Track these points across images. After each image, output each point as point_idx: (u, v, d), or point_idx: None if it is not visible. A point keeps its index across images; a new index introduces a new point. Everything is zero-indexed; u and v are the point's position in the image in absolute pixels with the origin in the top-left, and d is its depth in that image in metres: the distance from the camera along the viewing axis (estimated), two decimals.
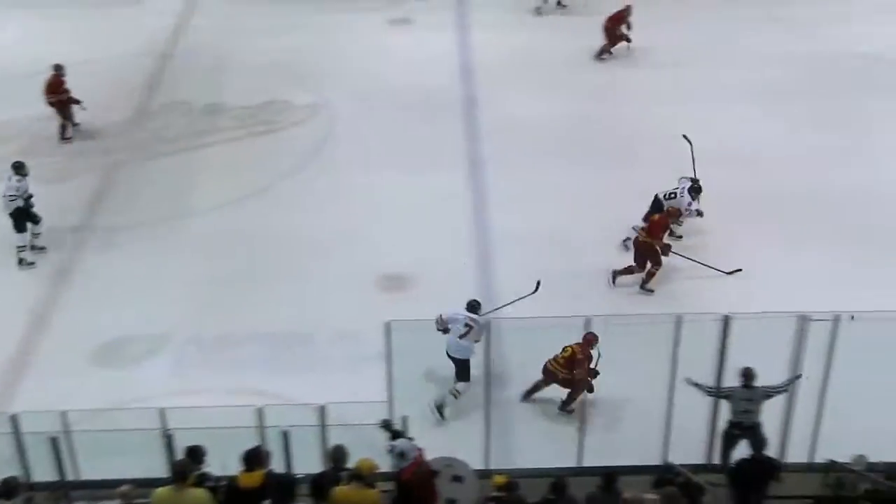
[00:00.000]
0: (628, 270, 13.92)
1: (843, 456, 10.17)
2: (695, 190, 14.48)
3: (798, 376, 10.43)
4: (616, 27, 20.22)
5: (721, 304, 11.62)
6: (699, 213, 14.51)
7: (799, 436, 10.67)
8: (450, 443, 10.08)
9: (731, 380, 10.46)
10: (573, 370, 11.52)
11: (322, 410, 9.75)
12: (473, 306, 11.93)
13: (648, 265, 13.87)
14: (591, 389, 11.65)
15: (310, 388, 11.23)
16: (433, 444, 9.62)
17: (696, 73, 19.59)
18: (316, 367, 12.52)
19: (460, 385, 11.77)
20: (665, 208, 14.22)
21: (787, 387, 10.45)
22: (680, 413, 10.68)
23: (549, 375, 11.80)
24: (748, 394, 10.37)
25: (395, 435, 9.59)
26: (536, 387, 11.98)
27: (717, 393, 10.53)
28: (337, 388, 10.73)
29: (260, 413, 9.65)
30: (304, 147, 17.53)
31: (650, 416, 10.87)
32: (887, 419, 10.76)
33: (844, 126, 17.68)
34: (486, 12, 22.21)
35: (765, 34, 20.94)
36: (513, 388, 12.14)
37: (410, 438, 9.51)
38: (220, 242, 15.08)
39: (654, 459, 10.59)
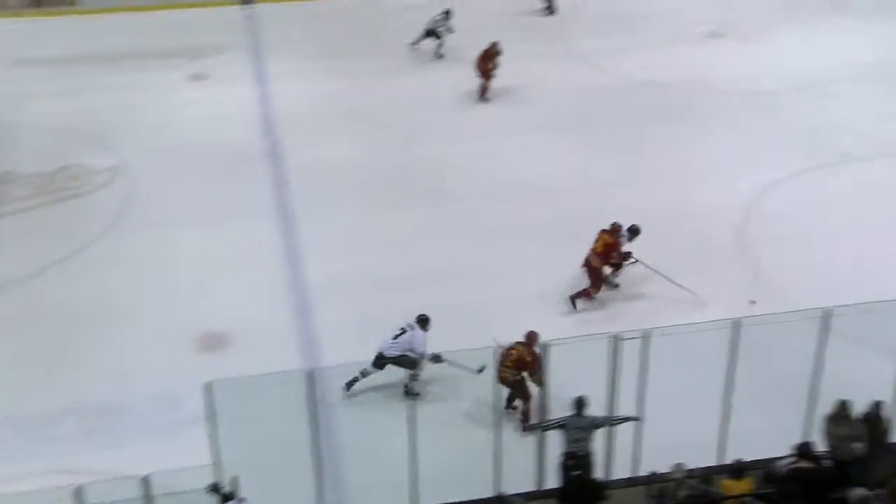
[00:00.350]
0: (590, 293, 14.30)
1: (663, 466, 10.60)
2: (633, 231, 14.70)
3: (632, 418, 10.83)
4: (488, 64, 20.60)
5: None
6: (627, 256, 14.70)
7: (622, 451, 11.08)
8: (282, 500, 9.93)
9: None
10: (521, 371, 11.83)
11: (146, 481, 9.43)
12: (423, 320, 12.57)
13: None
14: (534, 387, 11.84)
15: (133, 459, 10.83)
16: (265, 502, 9.47)
17: (501, 109, 20.22)
18: (137, 436, 12.13)
19: (412, 373, 12.53)
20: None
21: (620, 422, 10.83)
22: (509, 442, 10.89)
23: (501, 381, 11.86)
24: (581, 422, 10.62)
25: (226, 498, 9.41)
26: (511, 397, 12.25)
27: (552, 426, 10.72)
28: (161, 457, 10.39)
29: (79, 492, 9.25)
30: (107, 211, 16.96)
31: (482, 447, 11.04)
32: (700, 426, 11.28)
33: (636, 151, 18.60)
34: (285, 63, 22.18)
35: (561, 68, 21.73)
36: (343, 439, 12.08)
37: (242, 499, 9.34)
38: (25, 317, 14.40)
39: (488, 492, 10.74)
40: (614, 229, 14.47)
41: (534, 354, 11.73)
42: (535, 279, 14.72)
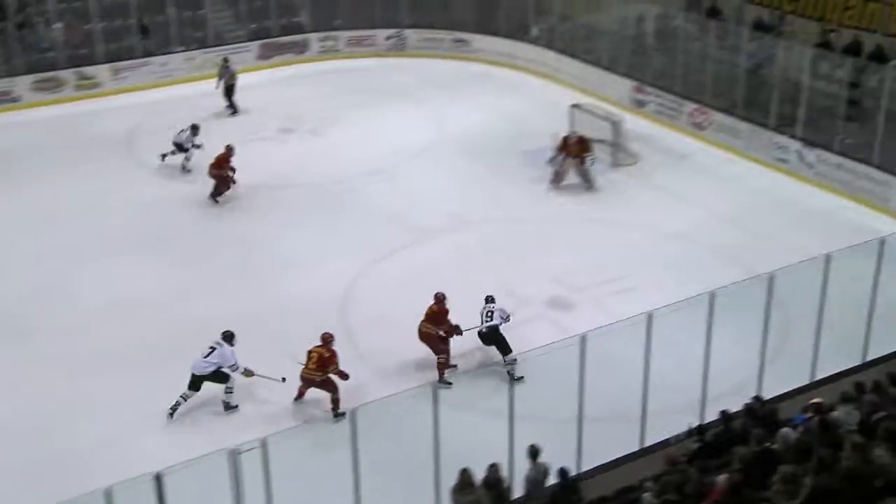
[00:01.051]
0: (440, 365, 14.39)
1: None
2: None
3: None
4: (223, 170, 19.92)
5: None
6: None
7: None
8: None
9: None
10: (325, 369, 13.40)
11: None
12: (228, 336, 13.81)
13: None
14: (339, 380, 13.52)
15: None
16: None
17: (73, 230, 19.15)
18: None
19: (226, 386, 13.78)
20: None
21: None
22: None
23: (307, 382, 13.62)
24: None
25: None
26: (300, 393, 13.83)
27: None
28: None
29: None
30: None
31: None
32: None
33: (223, 254, 18.30)
34: None
35: (122, 179, 20.95)
36: None
37: None
38: None
39: None
40: (439, 299, 14.63)
41: (331, 351, 13.54)
42: (134, 406, 13.93)
